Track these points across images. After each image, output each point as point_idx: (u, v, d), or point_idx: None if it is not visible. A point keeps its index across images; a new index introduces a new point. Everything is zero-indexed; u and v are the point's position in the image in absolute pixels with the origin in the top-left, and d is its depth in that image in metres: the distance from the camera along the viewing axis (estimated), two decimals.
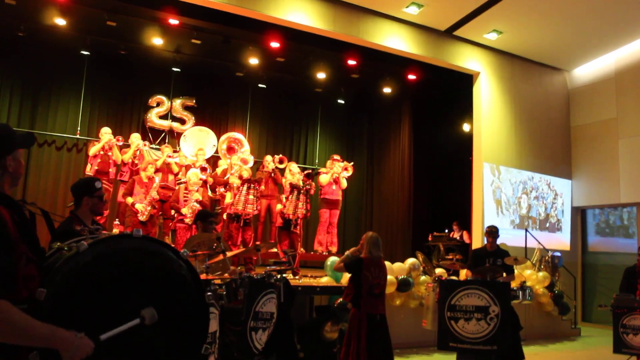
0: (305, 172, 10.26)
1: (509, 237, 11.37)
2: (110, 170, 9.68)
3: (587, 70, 13.33)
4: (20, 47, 11.35)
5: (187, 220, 8.46)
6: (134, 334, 2.00)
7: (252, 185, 8.96)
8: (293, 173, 9.84)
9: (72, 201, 3.94)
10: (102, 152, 9.66)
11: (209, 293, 2.30)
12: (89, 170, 9.59)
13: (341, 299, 6.98)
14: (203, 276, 4.31)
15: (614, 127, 12.52)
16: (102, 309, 1.97)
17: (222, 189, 9.94)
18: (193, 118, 12.96)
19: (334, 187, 10.37)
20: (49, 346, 1.79)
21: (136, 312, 2.02)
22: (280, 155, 10.58)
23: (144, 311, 1.99)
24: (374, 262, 5.53)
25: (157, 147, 12.16)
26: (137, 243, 2.16)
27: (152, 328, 2.04)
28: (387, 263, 8.58)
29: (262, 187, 9.71)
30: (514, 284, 7.09)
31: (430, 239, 12.64)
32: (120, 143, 9.92)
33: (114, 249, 2.11)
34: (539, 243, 11.49)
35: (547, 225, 12.85)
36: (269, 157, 10.20)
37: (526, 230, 11.77)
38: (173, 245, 2.71)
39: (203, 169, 10.05)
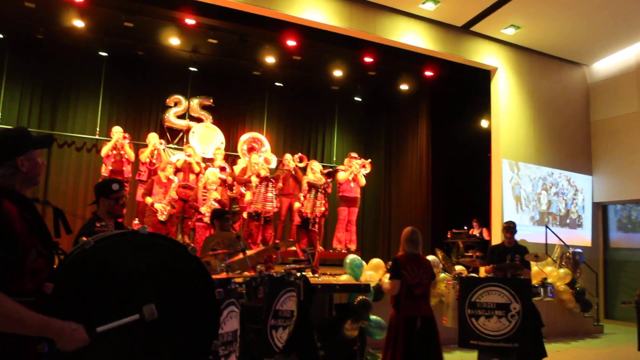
0: (327, 171, 10.25)
1: (529, 234, 11.27)
2: (124, 169, 9.72)
3: (608, 64, 13.15)
4: (40, 49, 11.47)
5: (205, 219, 8.49)
6: (142, 328, 2.03)
7: (270, 183, 8.96)
8: (314, 171, 9.83)
9: (92, 201, 3.99)
10: (114, 152, 9.73)
11: (220, 290, 2.29)
12: (104, 171, 9.66)
13: (361, 297, 6.96)
14: (223, 275, 4.33)
15: (635, 121, 12.34)
16: (108, 305, 2.01)
17: (242, 188, 9.95)
18: (210, 117, 13.02)
19: (352, 184, 10.34)
20: (43, 335, 1.87)
21: (139, 303, 2.04)
22: (300, 154, 10.57)
23: (145, 307, 2.01)
24: (410, 260, 5.18)
25: (175, 146, 12.24)
26: (143, 239, 2.19)
27: (160, 323, 2.06)
28: None
29: (280, 184, 9.70)
30: (535, 281, 7.02)
31: (449, 236, 12.58)
32: (127, 141, 9.94)
33: (120, 245, 2.15)
34: (560, 239, 11.37)
35: (568, 221, 12.72)
36: (288, 156, 10.17)
37: (546, 227, 11.65)
38: (189, 243, 2.72)
39: (222, 169, 10.07)
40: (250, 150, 12.49)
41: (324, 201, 9.19)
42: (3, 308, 1.81)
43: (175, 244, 2.31)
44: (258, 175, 9.31)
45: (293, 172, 9.88)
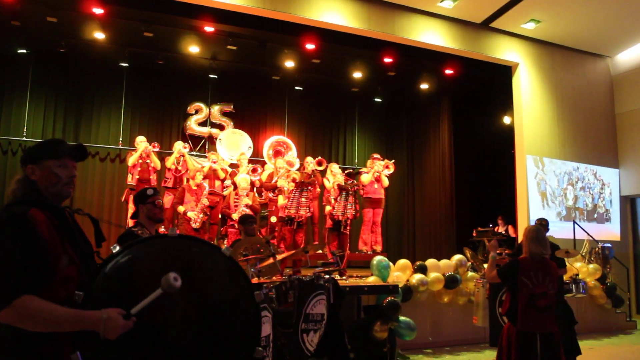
0: (346, 172, 10.22)
1: (556, 230, 11.12)
2: (150, 177, 9.84)
3: (631, 55, 12.93)
4: (62, 62, 11.65)
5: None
6: (183, 339, 2.00)
7: (305, 188, 8.97)
8: (334, 174, 9.82)
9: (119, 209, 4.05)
10: (140, 161, 9.83)
11: (259, 292, 2.23)
12: (131, 180, 9.74)
13: (389, 298, 6.92)
14: (254, 280, 4.34)
15: None
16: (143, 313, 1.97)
17: (270, 194, 9.97)
18: (232, 123, 13.07)
19: (375, 185, 10.30)
20: (79, 328, 1.87)
21: (177, 309, 2.01)
22: (319, 158, 10.57)
23: (163, 279, 1.89)
24: (535, 264, 4.34)
25: (198, 153, 12.31)
26: (173, 242, 2.14)
27: (201, 332, 2.02)
28: (433, 261, 8.51)
29: (318, 189, 9.74)
30: (566, 277, 6.93)
31: (474, 234, 12.47)
32: (157, 149, 10.07)
33: (150, 249, 2.12)
34: (588, 234, 11.21)
35: (595, 216, 12.54)
36: (309, 159, 10.20)
37: (574, 222, 11.49)
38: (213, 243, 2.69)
39: (254, 170, 10.09)
40: (277, 153, 12.51)
41: (354, 203, 9.19)
42: (33, 308, 1.84)
43: (208, 245, 2.24)
44: (293, 180, 9.34)
45: (312, 176, 9.87)
